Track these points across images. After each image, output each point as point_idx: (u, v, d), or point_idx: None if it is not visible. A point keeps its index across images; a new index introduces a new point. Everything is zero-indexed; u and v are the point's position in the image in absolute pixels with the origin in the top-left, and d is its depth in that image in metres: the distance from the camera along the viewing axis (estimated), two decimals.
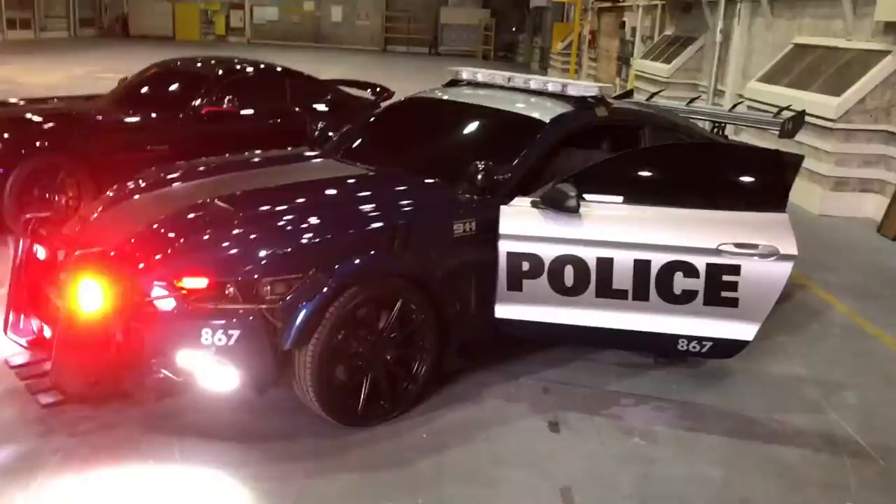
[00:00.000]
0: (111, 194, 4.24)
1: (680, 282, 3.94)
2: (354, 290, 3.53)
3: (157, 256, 3.49)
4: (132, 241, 3.60)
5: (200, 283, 3.40)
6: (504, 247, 3.95)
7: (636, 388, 4.28)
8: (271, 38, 35.85)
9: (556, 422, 3.88)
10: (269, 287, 3.40)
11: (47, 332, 3.83)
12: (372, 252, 3.68)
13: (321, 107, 7.77)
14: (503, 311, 4.06)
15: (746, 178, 4.18)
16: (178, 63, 7.89)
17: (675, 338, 4.05)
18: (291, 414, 3.71)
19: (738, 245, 3.91)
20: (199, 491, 3.23)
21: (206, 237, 3.59)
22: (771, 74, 10.59)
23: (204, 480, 3.30)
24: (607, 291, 3.97)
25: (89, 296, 3.35)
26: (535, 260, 3.96)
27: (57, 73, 18.54)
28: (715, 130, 5.92)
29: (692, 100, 7.07)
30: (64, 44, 28.46)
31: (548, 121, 4.45)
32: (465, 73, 5.27)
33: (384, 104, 8.09)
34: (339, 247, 3.63)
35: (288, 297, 3.39)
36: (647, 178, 4.17)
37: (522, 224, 3.96)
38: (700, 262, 3.91)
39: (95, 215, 3.97)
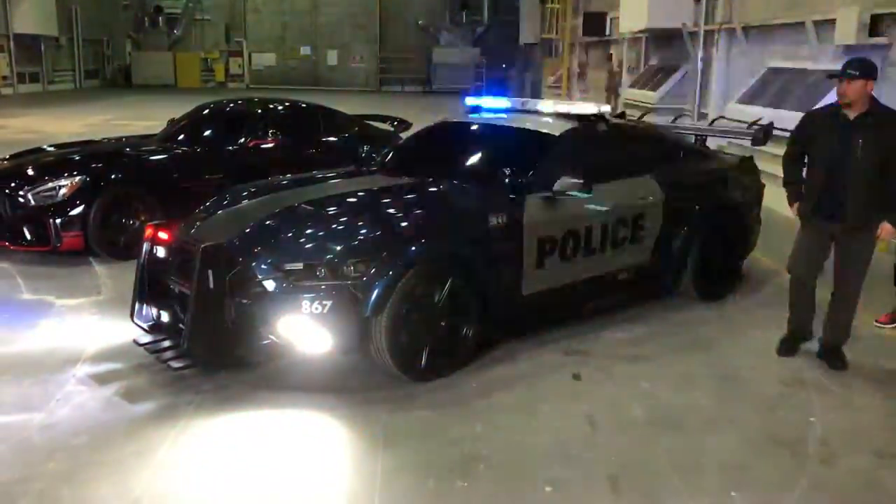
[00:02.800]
0: (210, 205, 5.19)
1: None
2: (415, 270, 4.48)
3: (263, 247, 4.45)
4: (242, 236, 4.55)
5: (297, 265, 4.34)
6: (530, 232, 4.92)
7: (642, 351, 5.20)
8: (269, 83, 37.05)
9: (578, 374, 4.81)
10: (351, 267, 4.34)
11: (164, 318, 4.77)
12: (425, 240, 4.63)
13: (349, 137, 8.77)
14: (529, 286, 5.03)
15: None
16: (221, 104, 8.88)
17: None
18: (367, 373, 4.62)
19: None
20: (303, 429, 4.13)
21: (300, 231, 4.55)
22: (748, 96, 11.67)
23: (305, 421, 4.20)
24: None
25: (213, 279, 4.30)
26: (552, 239, 4.97)
27: (76, 121, 19.57)
28: (697, 141, 6.90)
29: (676, 118, 8.10)
30: (71, 95, 29.57)
31: (558, 134, 5.48)
32: (485, 102, 6.29)
33: (404, 133, 9.16)
34: (400, 236, 4.59)
35: (366, 276, 4.34)
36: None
37: (545, 212, 4.96)
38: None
39: (205, 220, 4.92)
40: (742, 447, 3.98)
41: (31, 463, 3.67)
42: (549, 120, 5.74)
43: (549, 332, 5.35)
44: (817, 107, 5.65)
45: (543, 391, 4.57)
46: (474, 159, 5.68)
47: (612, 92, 20.24)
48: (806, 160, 4.99)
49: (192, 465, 3.72)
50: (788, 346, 5.18)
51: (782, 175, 5.13)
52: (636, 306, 5.88)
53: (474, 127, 6.09)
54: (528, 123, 5.73)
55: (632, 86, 17.88)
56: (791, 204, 5.08)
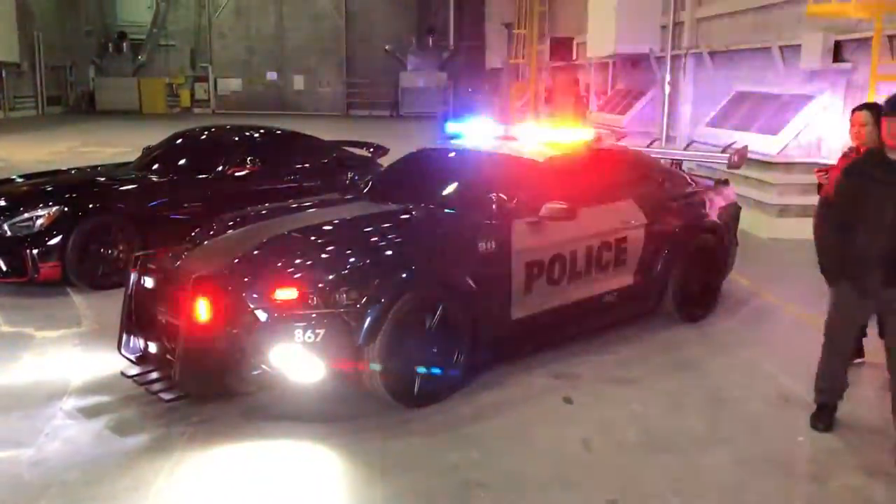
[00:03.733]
0: (196, 235, 5.16)
1: None
2: (407, 297, 4.49)
3: (255, 277, 4.43)
4: (232, 266, 4.53)
5: (290, 294, 4.33)
6: (518, 257, 4.96)
7: (630, 373, 5.26)
8: (235, 108, 36.90)
9: (569, 397, 4.84)
10: (343, 295, 4.34)
11: (152, 349, 4.72)
12: (417, 268, 4.65)
13: (327, 163, 8.77)
14: (517, 311, 5.06)
15: None
16: (196, 132, 8.84)
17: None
18: (358, 401, 4.60)
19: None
20: (299, 458, 4.11)
21: (290, 260, 4.54)
22: (718, 120, 11.91)
23: (301, 451, 4.18)
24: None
25: (203, 310, 4.27)
26: (539, 263, 5.05)
27: (41, 149, 19.27)
28: (673, 166, 7.02)
29: (651, 143, 8.24)
30: (34, 122, 29.17)
31: (542, 160, 5.55)
32: (465, 128, 6.35)
33: (381, 159, 9.20)
34: (391, 263, 4.61)
35: (358, 304, 4.34)
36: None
37: (531, 237, 5.01)
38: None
39: (192, 251, 4.89)
40: (736, 468, 4.03)
41: (23, 500, 3.60)
42: (531, 146, 5.81)
43: (538, 356, 5.38)
44: (837, 159, 5.17)
45: (536, 415, 4.60)
46: (460, 186, 5.71)
47: (579, 116, 20.51)
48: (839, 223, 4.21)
49: (189, 500, 3.67)
50: (826, 421, 4.47)
51: (818, 255, 4.38)
52: (621, 328, 5.94)
53: (458, 154, 6.13)
54: (512, 150, 5.79)
55: (600, 109, 18.13)
56: (833, 283, 4.38)
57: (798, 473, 4.00)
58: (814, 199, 9.53)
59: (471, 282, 4.80)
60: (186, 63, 38.32)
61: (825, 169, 5.24)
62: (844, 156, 5.10)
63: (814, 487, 3.89)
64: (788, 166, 9.78)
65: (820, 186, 5.18)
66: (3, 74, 29.54)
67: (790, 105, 10.20)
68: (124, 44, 37.20)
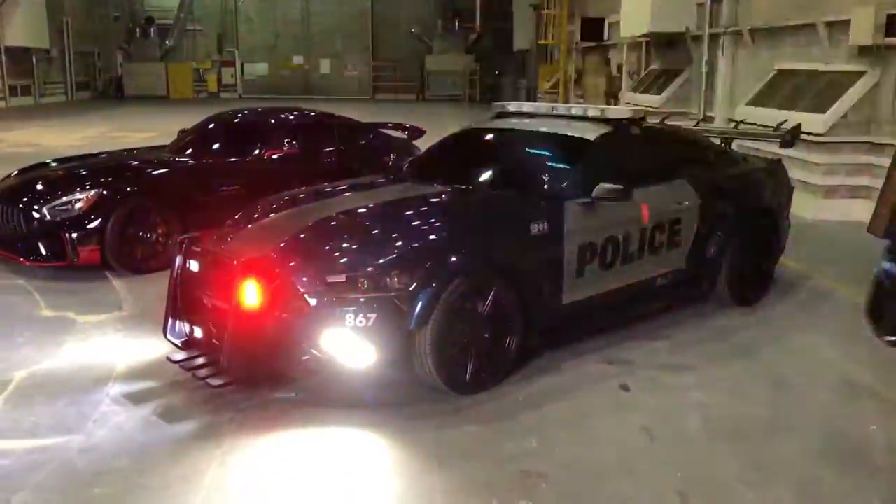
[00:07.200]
0: (240, 218, 5.04)
1: None
2: (459, 281, 4.34)
3: (303, 260, 4.30)
4: (280, 250, 4.40)
5: (340, 278, 4.20)
6: (570, 239, 4.80)
7: (685, 359, 5.08)
8: (262, 93, 36.90)
9: (625, 384, 4.68)
10: (395, 279, 4.20)
11: (197, 333, 4.62)
12: (468, 250, 4.50)
13: (364, 145, 8.64)
14: (569, 295, 4.90)
15: None
16: (231, 115, 8.72)
17: None
18: (410, 387, 4.47)
19: None
20: (352, 446, 3.99)
21: (339, 243, 4.41)
22: (758, 98, 11.60)
23: (353, 438, 4.06)
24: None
25: (252, 294, 4.16)
26: (592, 246, 4.90)
27: (73, 134, 19.35)
28: (723, 144, 6.81)
29: (698, 121, 8.00)
30: (64, 108, 29.32)
31: (593, 139, 5.36)
32: (512, 106, 6.17)
33: (417, 141, 9.04)
34: (443, 246, 4.46)
35: (410, 288, 4.20)
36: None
37: (584, 218, 4.85)
38: None
39: (238, 234, 4.77)
40: (808, 458, 3.85)
41: (75, 488, 3.52)
42: (581, 124, 5.63)
43: (589, 342, 5.22)
44: None
45: (592, 403, 4.44)
46: (509, 166, 5.54)
47: (611, 97, 20.20)
48: None
49: (242, 488, 3.57)
50: None
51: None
52: (673, 312, 5.76)
53: (504, 133, 5.95)
54: (561, 129, 5.61)
55: (633, 90, 17.82)
56: None
57: (875, 466, 3.81)
58: (863, 180, 9.40)
59: (522, 265, 4.65)
60: (213, 48, 38.31)
61: None
62: None
63: (891, 480, 3.70)
64: (835, 146, 9.49)
65: None
66: (34, 60, 29.66)
67: (837, 83, 9.87)
68: (151, 29, 37.23)
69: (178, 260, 4.69)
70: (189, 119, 8.81)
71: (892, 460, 3.86)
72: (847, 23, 9.68)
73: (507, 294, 4.56)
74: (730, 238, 5.81)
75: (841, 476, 3.70)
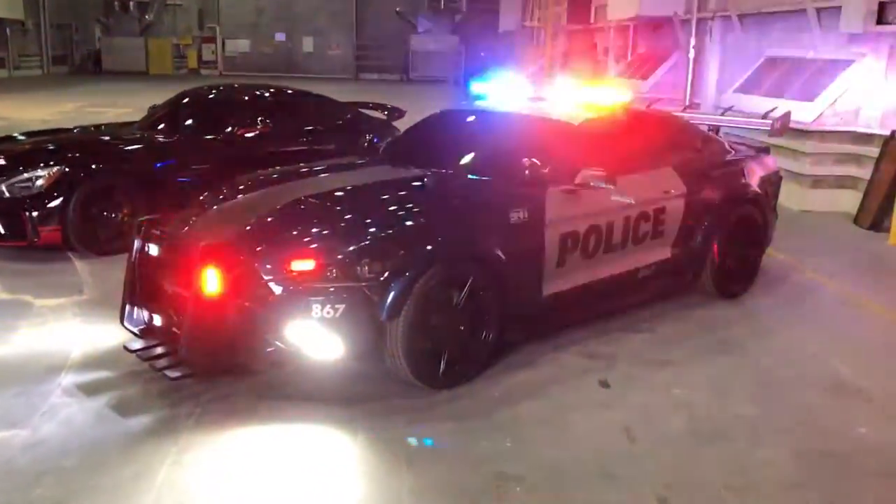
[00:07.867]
0: (205, 200, 4.78)
1: None
2: (433, 271, 4.12)
3: (269, 246, 4.06)
4: (245, 234, 4.16)
5: (308, 265, 3.96)
6: (552, 228, 4.58)
7: (669, 354, 4.90)
8: (243, 70, 36.39)
9: (605, 380, 4.49)
10: (366, 267, 3.97)
11: (157, 321, 4.37)
12: (444, 239, 4.27)
13: (341, 125, 8.36)
14: (549, 286, 4.69)
15: None
16: (204, 90, 8.42)
17: None
18: (381, 381, 4.26)
19: None
20: (316, 444, 3.77)
21: (308, 228, 4.17)
22: (746, 85, 11.41)
23: (318, 435, 3.84)
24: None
25: (213, 281, 3.91)
26: (574, 235, 4.68)
27: (47, 108, 18.89)
28: (710, 131, 6.60)
29: (685, 107, 7.79)
30: (39, 82, 28.74)
31: (577, 124, 5.13)
32: (494, 88, 5.92)
33: (397, 122, 8.78)
34: (418, 233, 4.23)
35: (381, 277, 3.97)
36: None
37: (566, 206, 4.62)
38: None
39: (201, 216, 4.52)
40: (794, 462, 3.68)
41: (16, 488, 3.27)
42: (565, 108, 5.40)
43: (569, 334, 5.02)
44: None
45: (571, 400, 4.25)
46: (489, 150, 5.30)
47: (597, 81, 19.96)
48: None
49: (197, 488, 3.34)
50: None
51: None
52: (655, 305, 5.57)
53: (485, 115, 5.70)
54: (543, 112, 5.38)
55: (620, 74, 17.59)
56: None
57: (863, 469, 3.64)
58: (850, 170, 9.24)
59: (501, 254, 4.43)
60: (194, 23, 37.74)
61: None
62: None
63: (881, 485, 3.54)
64: (824, 135, 9.31)
65: None
66: (8, 32, 29.01)
67: (827, 70, 9.69)
68: (131, 3, 36.59)
69: (137, 243, 4.42)
70: (167, 95, 8.48)
71: (882, 464, 3.69)
72: (838, 9, 9.49)
73: (484, 285, 4.34)
74: (716, 228, 5.62)
75: (827, 481, 3.52)
